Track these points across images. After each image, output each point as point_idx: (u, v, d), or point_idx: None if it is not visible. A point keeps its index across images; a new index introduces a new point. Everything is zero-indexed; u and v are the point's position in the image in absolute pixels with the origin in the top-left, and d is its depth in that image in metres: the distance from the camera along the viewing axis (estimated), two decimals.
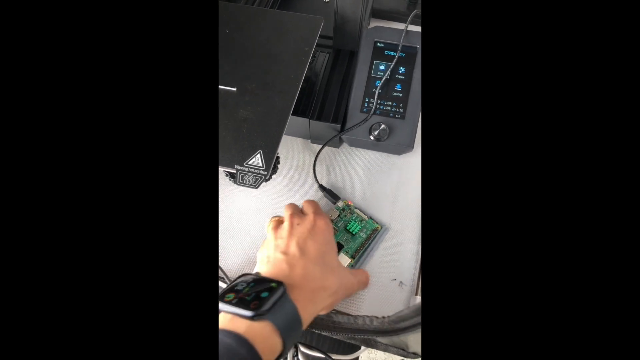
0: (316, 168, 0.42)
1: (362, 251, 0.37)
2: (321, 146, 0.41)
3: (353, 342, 0.33)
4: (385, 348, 0.32)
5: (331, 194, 0.40)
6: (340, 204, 0.39)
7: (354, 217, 0.38)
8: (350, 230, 0.37)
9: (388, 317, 0.25)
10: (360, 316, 0.27)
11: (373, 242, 0.37)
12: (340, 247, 0.36)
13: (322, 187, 0.40)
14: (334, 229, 0.37)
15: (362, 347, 0.40)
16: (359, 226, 0.38)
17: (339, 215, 0.38)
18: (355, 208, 0.39)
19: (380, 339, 0.31)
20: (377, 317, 0.26)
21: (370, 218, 0.38)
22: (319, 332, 0.30)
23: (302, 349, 0.41)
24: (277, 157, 0.33)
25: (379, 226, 0.38)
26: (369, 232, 0.37)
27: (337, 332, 0.27)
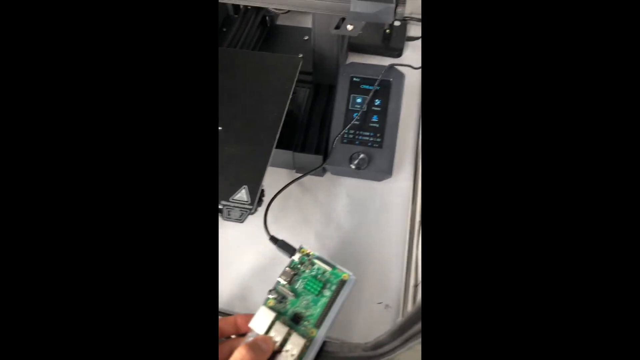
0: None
1: (326, 313, 0.30)
2: (273, 195, 0.39)
3: None
4: None
5: (285, 247, 0.34)
6: (296, 257, 0.32)
7: (314, 271, 0.32)
8: (310, 291, 0.31)
9: (370, 341, 0.27)
10: (346, 343, 0.29)
11: (340, 298, 0.31)
12: (297, 320, 0.30)
13: (273, 238, 0.35)
14: (289, 293, 0.31)
15: None
16: (321, 283, 0.31)
17: (295, 275, 0.32)
18: (316, 258, 0.32)
19: None
20: (360, 344, 0.28)
21: (335, 267, 0.32)
22: None
23: None
24: (262, 190, 0.35)
25: (346, 274, 0.31)
26: (334, 287, 0.31)
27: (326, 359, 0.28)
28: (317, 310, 0.30)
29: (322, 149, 0.43)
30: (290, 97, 0.39)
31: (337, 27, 0.40)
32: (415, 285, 0.37)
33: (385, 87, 0.43)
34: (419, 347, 0.22)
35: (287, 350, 0.28)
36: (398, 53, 0.56)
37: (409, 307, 0.36)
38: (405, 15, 0.61)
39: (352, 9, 0.36)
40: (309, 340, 0.29)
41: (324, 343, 0.30)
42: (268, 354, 0.28)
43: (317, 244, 0.41)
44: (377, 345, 0.25)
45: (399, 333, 0.22)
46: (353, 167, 0.42)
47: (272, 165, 0.46)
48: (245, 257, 0.40)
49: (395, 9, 0.36)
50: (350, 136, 0.43)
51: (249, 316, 0.30)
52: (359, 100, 0.43)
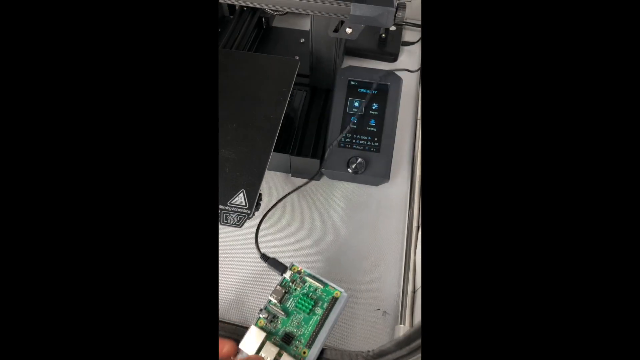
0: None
1: (318, 332, 0.29)
2: (269, 208, 0.38)
3: None
4: None
5: (276, 265, 0.33)
6: (288, 275, 0.32)
7: (306, 288, 0.31)
8: (302, 310, 0.30)
9: (372, 351, 0.26)
10: (347, 352, 0.28)
11: (332, 316, 0.30)
12: (289, 340, 0.29)
13: (264, 256, 0.34)
14: (281, 312, 0.30)
15: None
16: (312, 301, 0.30)
17: (286, 293, 0.31)
18: (307, 276, 0.32)
19: None
20: (362, 352, 0.27)
21: (326, 285, 0.31)
22: None
23: None
24: (260, 194, 0.34)
25: (338, 292, 0.31)
26: (326, 304, 0.30)
27: None
28: (308, 329, 0.30)
29: (319, 153, 0.43)
30: (288, 100, 0.38)
31: (336, 30, 0.39)
32: (414, 291, 0.37)
33: (383, 91, 0.43)
34: None
35: None
36: (394, 58, 0.57)
37: (407, 314, 0.36)
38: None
39: (352, 12, 0.36)
40: None
41: (323, 350, 0.29)
42: None
43: (313, 248, 0.40)
44: (381, 354, 0.24)
45: (406, 343, 0.22)
46: (350, 171, 0.41)
47: (268, 169, 0.45)
48: (241, 263, 0.39)
49: (395, 13, 0.36)
50: (348, 140, 0.42)
51: (224, 342, 0.29)
52: (356, 103, 0.43)
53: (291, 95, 0.44)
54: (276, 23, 0.58)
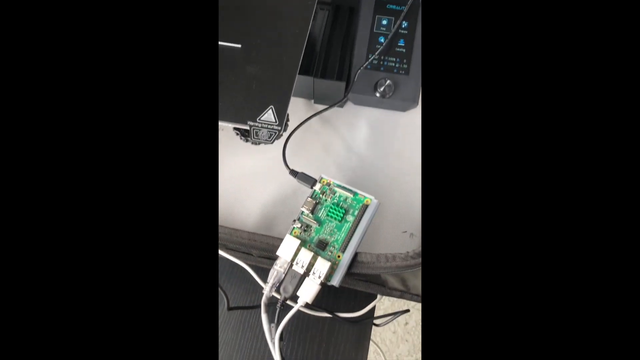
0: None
1: (351, 237, 0.30)
2: (293, 129, 0.37)
3: (369, 291, 0.35)
4: (401, 295, 0.34)
5: (305, 179, 0.33)
6: (317, 187, 0.32)
7: (336, 198, 0.32)
8: (334, 217, 0.31)
9: (413, 250, 0.26)
10: (382, 254, 0.28)
11: (363, 221, 0.30)
12: (323, 247, 0.30)
13: (293, 172, 0.34)
14: (313, 222, 0.31)
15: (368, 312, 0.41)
16: (343, 209, 0.31)
17: (317, 204, 0.32)
18: (337, 186, 0.32)
19: (397, 285, 0.33)
20: (399, 254, 0.27)
21: (356, 193, 0.32)
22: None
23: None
24: (287, 114, 0.33)
25: (368, 199, 0.31)
26: (357, 212, 0.31)
27: (360, 269, 0.28)
28: (341, 235, 0.31)
29: (344, 75, 0.40)
30: (313, 14, 0.36)
31: None
32: None
33: (413, 7, 0.40)
34: None
35: (314, 273, 0.29)
36: None
37: None
38: None
39: None
40: (335, 264, 0.30)
41: (357, 254, 0.30)
42: None
43: (338, 175, 0.40)
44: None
45: None
46: (378, 95, 0.39)
47: None
48: (268, 186, 0.39)
49: None
50: (375, 62, 0.40)
51: None
52: (384, 22, 0.40)
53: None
54: None
